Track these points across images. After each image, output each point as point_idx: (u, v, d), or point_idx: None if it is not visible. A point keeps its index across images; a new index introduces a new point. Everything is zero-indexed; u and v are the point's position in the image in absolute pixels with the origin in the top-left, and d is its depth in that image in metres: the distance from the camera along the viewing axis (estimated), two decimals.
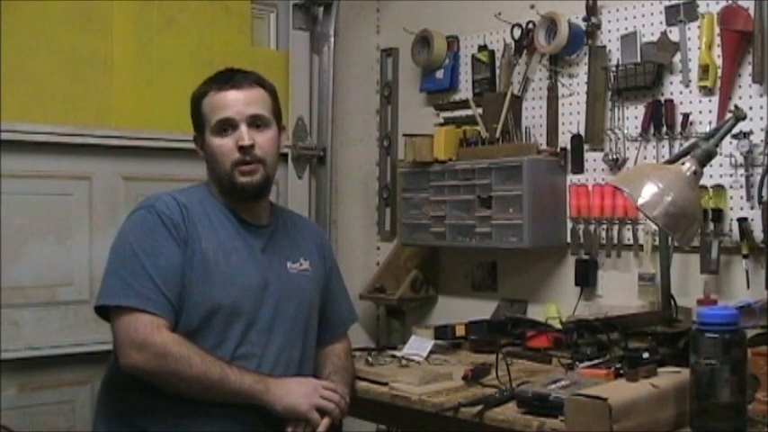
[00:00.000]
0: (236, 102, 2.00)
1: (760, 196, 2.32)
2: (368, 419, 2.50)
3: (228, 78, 2.04)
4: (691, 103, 2.51)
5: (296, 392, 1.93)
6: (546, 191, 2.73)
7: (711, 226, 2.40)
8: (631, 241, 2.62)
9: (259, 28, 3.39)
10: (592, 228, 2.70)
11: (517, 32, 2.94)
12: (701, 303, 2.35)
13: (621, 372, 1.91)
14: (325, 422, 1.94)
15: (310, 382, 2.00)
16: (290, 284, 2.07)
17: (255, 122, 2.01)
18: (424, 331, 2.68)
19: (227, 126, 2.00)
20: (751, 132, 2.34)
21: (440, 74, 3.18)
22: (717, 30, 2.43)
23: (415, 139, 2.98)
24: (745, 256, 2.35)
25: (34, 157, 2.78)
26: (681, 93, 2.53)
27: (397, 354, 2.39)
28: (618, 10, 2.68)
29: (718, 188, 2.41)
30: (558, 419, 1.73)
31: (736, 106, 2.15)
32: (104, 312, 1.95)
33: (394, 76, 3.41)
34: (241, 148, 1.98)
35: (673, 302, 2.41)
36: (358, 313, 2.41)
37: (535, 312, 2.82)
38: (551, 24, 2.75)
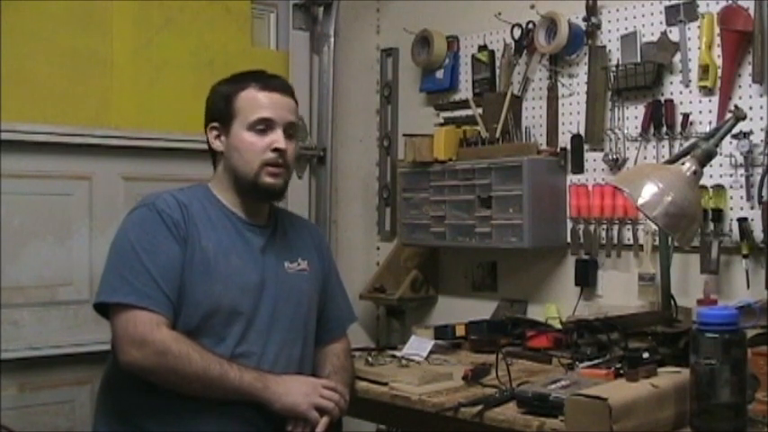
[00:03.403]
0: (278, 105, 2.02)
1: (760, 196, 2.32)
2: (368, 419, 2.50)
3: (271, 79, 2.06)
4: (691, 103, 2.51)
5: (295, 391, 1.93)
6: (546, 191, 2.73)
7: (711, 226, 2.40)
8: (631, 241, 2.62)
9: (259, 28, 3.39)
10: (592, 228, 2.70)
11: (517, 32, 2.94)
12: (701, 303, 2.35)
13: (621, 372, 1.91)
14: (324, 421, 1.93)
15: (310, 381, 2.00)
16: (288, 284, 2.07)
17: (288, 131, 2.03)
18: (424, 331, 2.68)
19: (264, 125, 2.00)
20: (751, 132, 2.34)
21: (440, 74, 3.18)
22: (717, 30, 2.43)
23: (415, 139, 2.98)
24: (745, 256, 2.35)
25: (34, 157, 2.78)
26: (681, 93, 2.53)
27: (397, 354, 2.39)
28: (618, 10, 2.68)
29: (718, 188, 2.41)
30: (558, 419, 1.73)
31: (736, 106, 2.15)
32: (103, 310, 1.95)
33: (394, 76, 3.41)
34: (275, 150, 1.99)
35: (673, 302, 2.41)
36: (358, 313, 2.41)
37: (535, 312, 2.82)
38: (551, 24, 2.75)
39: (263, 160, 1.99)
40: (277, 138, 2.00)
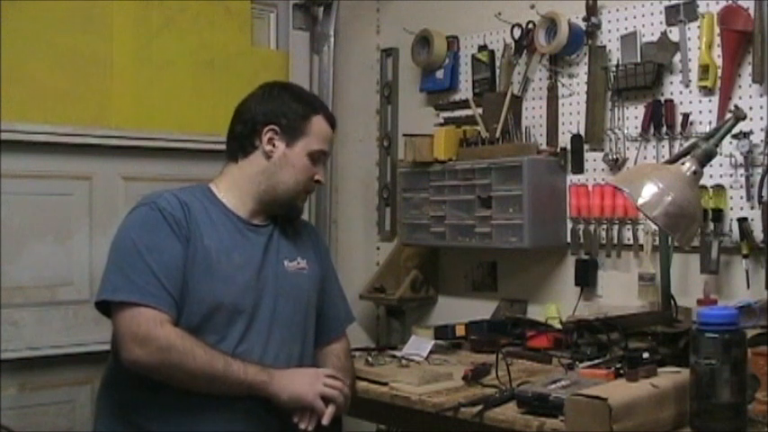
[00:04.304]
0: (331, 142, 2.19)
1: (760, 196, 2.32)
2: (368, 419, 2.50)
3: (328, 110, 2.19)
4: (691, 103, 2.51)
5: (300, 382, 1.94)
6: (546, 191, 2.73)
7: (711, 226, 2.40)
8: (631, 241, 2.62)
9: (259, 28, 3.39)
10: (592, 228, 2.70)
11: (517, 32, 2.94)
12: (700, 303, 2.35)
13: (621, 372, 1.91)
14: (330, 410, 1.94)
15: (312, 371, 2.01)
16: (288, 282, 2.07)
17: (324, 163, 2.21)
18: (424, 331, 2.68)
19: (318, 157, 2.11)
20: (751, 132, 2.34)
21: (440, 74, 3.18)
22: (717, 30, 2.43)
23: (415, 139, 2.98)
24: (745, 256, 2.35)
25: (34, 157, 2.78)
26: (681, 93, 2.53)
27: (397, 354, 2.39)
28: (618, 10, 2.68)
29: (718, 188, 2.41)
30: (558, 419, 1.73)
31: (736, 106, 2.15)
32: (105, 308, 1.94)
33: (394, 76, 3.41)
34: (317, 182, 2.12)
35: (673, 302, 2.41)
36: (358, 313, 2.41)
37: (535, 312, 2.82)
38: (551, 24, 2.75)
39: (306, 187, 2.11)
40: (321, 172, 2.13)
